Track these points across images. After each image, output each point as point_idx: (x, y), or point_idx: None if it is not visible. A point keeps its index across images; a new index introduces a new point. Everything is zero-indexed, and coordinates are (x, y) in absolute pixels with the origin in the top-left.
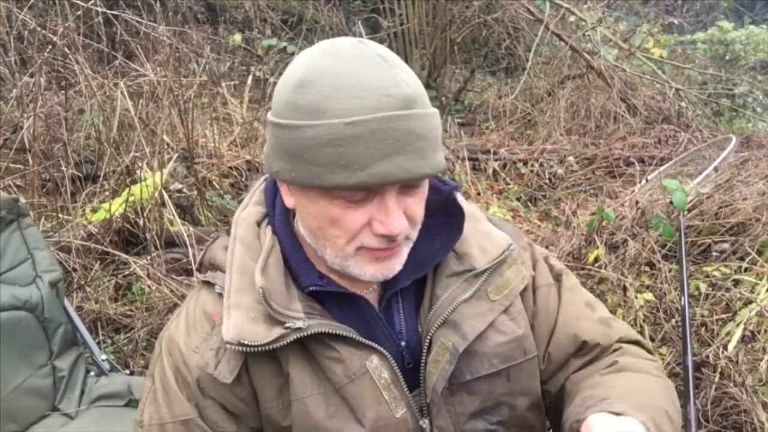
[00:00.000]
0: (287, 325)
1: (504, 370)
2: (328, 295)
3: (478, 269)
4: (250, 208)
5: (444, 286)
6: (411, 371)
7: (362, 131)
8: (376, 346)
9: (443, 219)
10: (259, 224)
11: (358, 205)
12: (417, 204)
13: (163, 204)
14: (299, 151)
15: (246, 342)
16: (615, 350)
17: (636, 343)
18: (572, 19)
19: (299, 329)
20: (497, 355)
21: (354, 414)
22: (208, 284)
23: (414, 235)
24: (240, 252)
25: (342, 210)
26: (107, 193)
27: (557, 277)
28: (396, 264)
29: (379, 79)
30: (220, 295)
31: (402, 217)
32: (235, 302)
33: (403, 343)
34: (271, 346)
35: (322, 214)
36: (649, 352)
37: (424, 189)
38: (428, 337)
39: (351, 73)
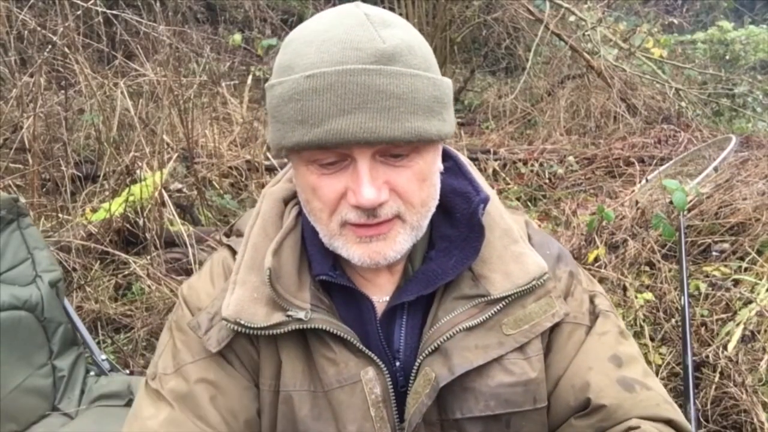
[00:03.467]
0: (289, 313)
1: (503, 415)
2: (338, 289)
3: (493, 296)
4: (281, 184)
5: (448, 309)
6: (405, 396)
7: (320, 84)
8: (375, 358)
9: (467, 233)
10: (286, 202)
11: (334, 173)
12: (406, 179)
13: (163, 204)
14: (271, 110)
15: (242, 322)
16: (630, 428)
17: (669, 422)
18: (572, 19)
19: (300, 320)
20: (496, 396)
21: (336, 423)
22: (231, 249)
23: (412, 218)
24: (259, 228)
25: (317, 177)
26: (107, 193)
27: (593, 319)
28: (385, 248)
29: (353, 34)
30: None
31: (374, 187)
32: (242, 278)
33: (398, 363)
34: (267, 332)
35: (304, 183)
36: None
37: (418, 163)
38: (417, 363)
39: (326, 30)
